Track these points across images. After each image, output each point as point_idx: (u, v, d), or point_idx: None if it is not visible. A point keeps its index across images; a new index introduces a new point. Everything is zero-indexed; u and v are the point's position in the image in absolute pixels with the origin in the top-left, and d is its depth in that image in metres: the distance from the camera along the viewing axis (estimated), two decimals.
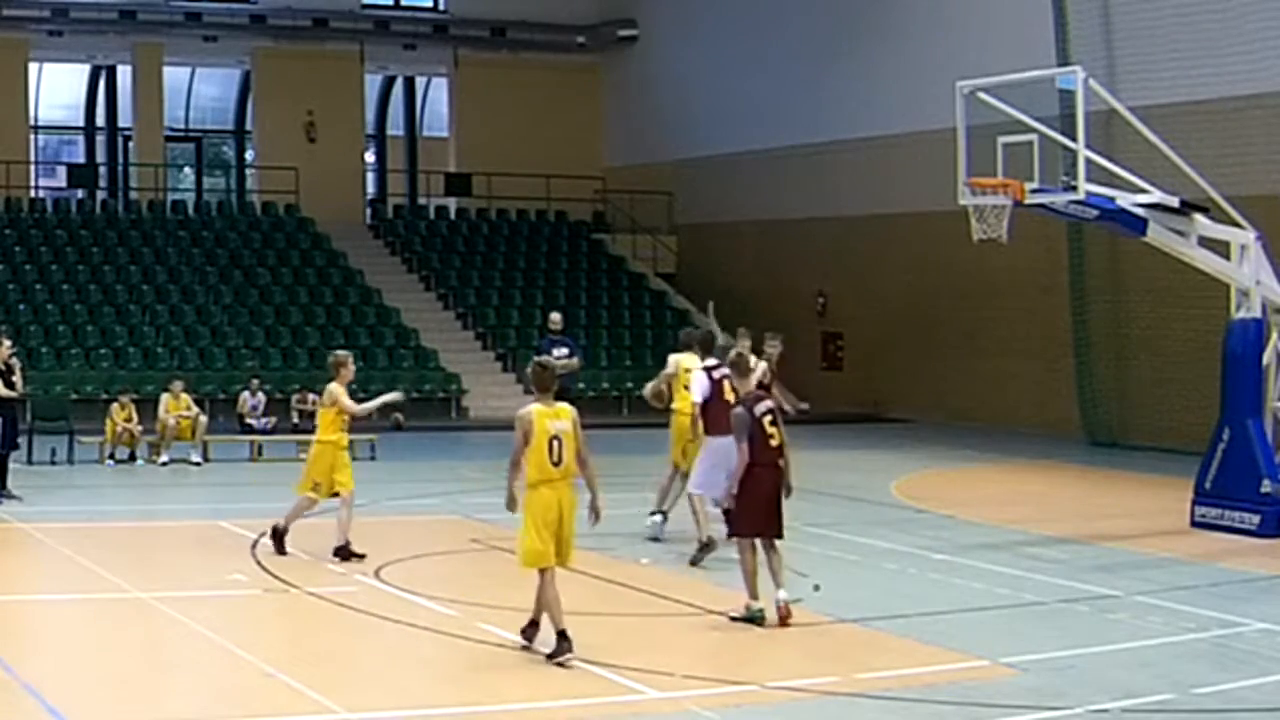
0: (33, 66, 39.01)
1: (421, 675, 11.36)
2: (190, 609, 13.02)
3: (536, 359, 12.44)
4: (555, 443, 11.41)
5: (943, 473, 24.87)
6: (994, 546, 17.07)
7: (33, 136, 39.57)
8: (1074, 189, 17.57)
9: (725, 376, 15.11)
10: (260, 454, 25.32)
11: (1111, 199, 18.05)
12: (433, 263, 38.54)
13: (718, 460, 14.86)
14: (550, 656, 11.28)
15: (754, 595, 12.86)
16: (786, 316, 35.41)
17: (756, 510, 12.94)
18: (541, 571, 11.49)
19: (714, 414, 15.24)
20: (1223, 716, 10.45)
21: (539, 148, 40.15)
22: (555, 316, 25.11)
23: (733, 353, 14.41)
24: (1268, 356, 18.24)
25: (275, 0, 39.18)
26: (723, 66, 38.29)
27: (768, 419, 12.95)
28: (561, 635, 11.31)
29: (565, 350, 24.00)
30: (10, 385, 19.94)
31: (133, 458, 24.61)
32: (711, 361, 15.89)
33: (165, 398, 25.01)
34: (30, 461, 23.41)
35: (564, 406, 11.64)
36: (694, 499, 15.79)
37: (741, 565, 13.02)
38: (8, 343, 20.36)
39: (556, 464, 11.42)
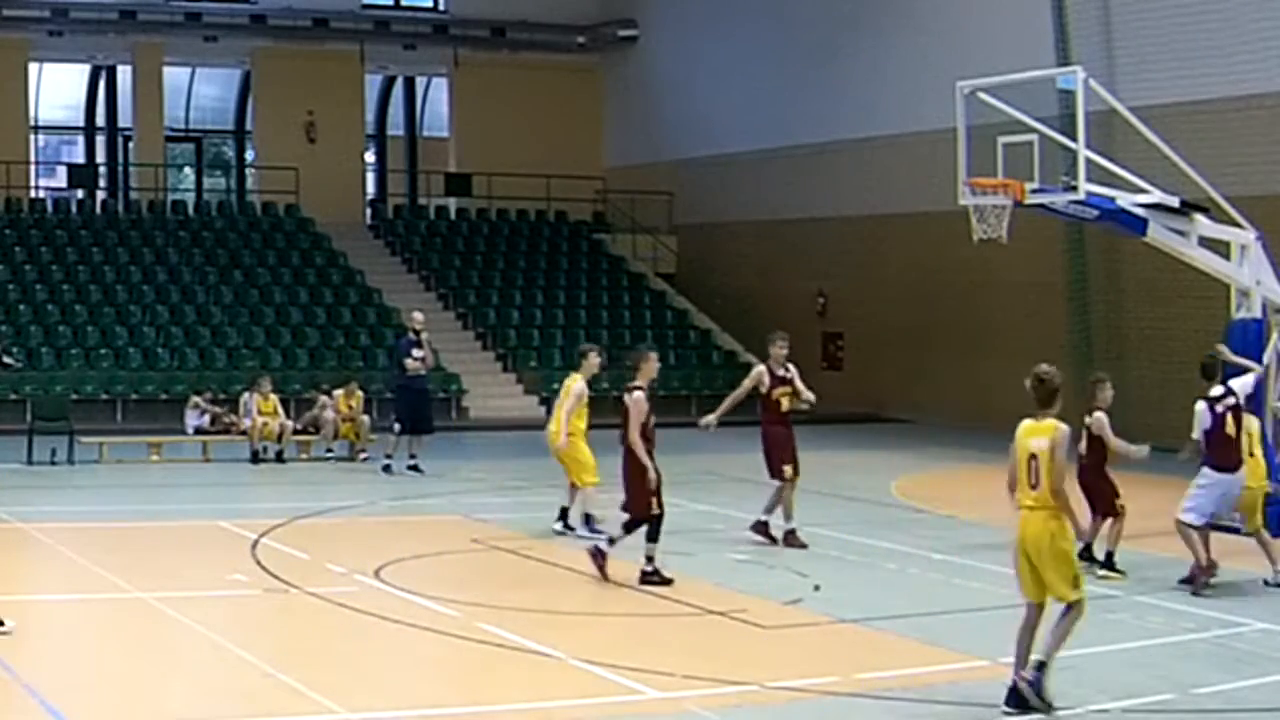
0: (33, 66, 39.01)
1: (421, 675, 11.36)
2: (190, 609, 13.02)
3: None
4: None
5: (943, 473, 24.88)
6: (994, 546, 17.01)
7: (33, 136, 39.57)
8: (1074, 189, 17.58)
9: (1231, 408, 14.57)
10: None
11: (1111, 199, 18.06)
12: (433, 263, 38.54)
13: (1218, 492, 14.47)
14: None
15: None
16: (786, 316, 35.47)
17: None
18: None
19: (1216, 446, 14.59)
20: (1223, 716, 10.45)
21: (539, 148, 40.16)
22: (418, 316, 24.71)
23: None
24: (1268, 356, 18.23)
25: (275, 0, 39.19)
26: (723, 66, 38.29)
27: None
28: None
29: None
30: None
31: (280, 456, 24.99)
32: (1218, 391, 14.80)
33: (255, 398, 25.28)
34: (30, 461, 23.42)
35: None
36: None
37: None
38: None
39: None
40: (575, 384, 17.41)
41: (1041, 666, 10.01)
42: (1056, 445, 10.04)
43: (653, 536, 14.32)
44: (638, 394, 14.44)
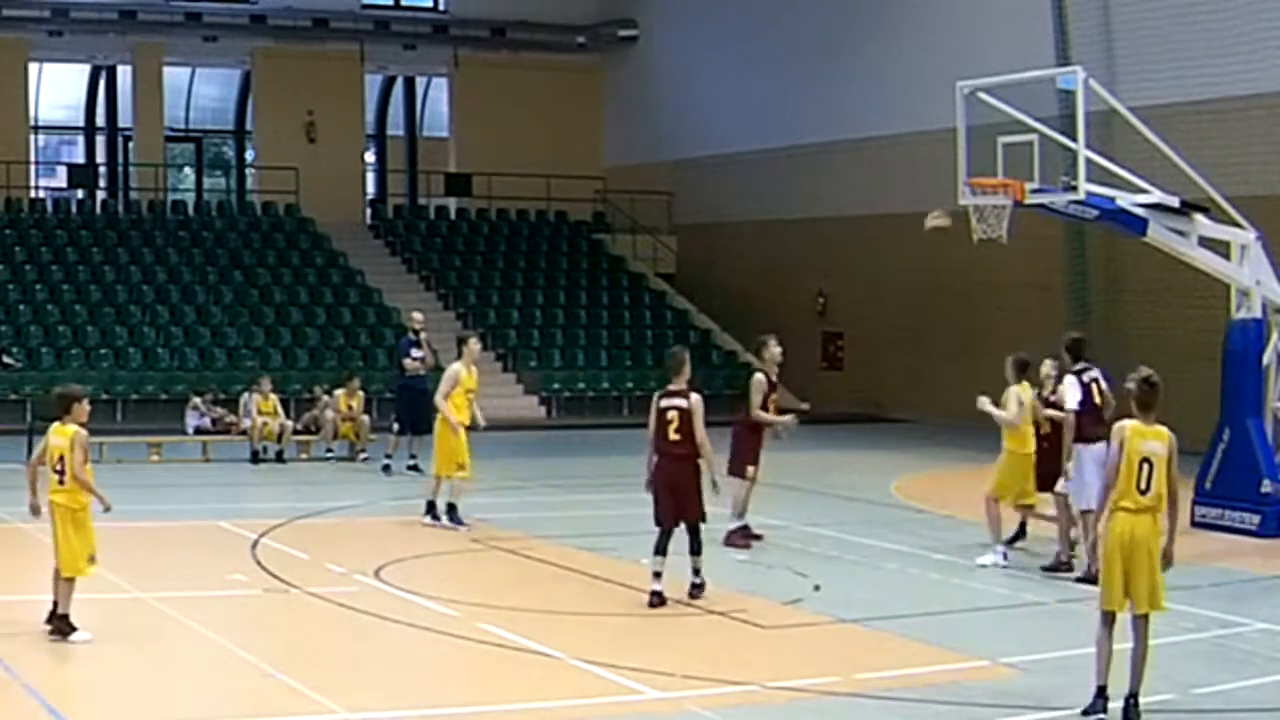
0: (33, 66, 39.02)
1: (421, 675, 11.36)
2: (190, 609, 13.03)
3: None
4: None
5: (943, 473, 24.87)
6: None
7: (33, 136, 39.59)
8: (1074, 189, 17.58)
9: (1094, 379, 15.54)
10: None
11: (1111, 199, 18.07)
12: (433, 263, 38.55)
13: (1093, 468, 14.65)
14: None
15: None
16: (786, 316, 35.51)
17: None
18: None
19: (1089, 415, 15.23)
20: (1223, 716, 10.45)
21: (539, 148, 40.17)
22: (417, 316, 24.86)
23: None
24: (1268, 356, 18.25)
25: (275, 0, 39.20)
26: (723, 66, 38.30)
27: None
28: None
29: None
30: None
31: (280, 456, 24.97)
32: (1080, 366, 15.76)
33: (255, 398, 25.28)
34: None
35: None
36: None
37: None
38: None
39: None
40: (450, 368, 17.92)
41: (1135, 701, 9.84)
42: (1174, 450, 10.06)
43: (697, 549, 13.80)
44: (695, 397, 13.64)
